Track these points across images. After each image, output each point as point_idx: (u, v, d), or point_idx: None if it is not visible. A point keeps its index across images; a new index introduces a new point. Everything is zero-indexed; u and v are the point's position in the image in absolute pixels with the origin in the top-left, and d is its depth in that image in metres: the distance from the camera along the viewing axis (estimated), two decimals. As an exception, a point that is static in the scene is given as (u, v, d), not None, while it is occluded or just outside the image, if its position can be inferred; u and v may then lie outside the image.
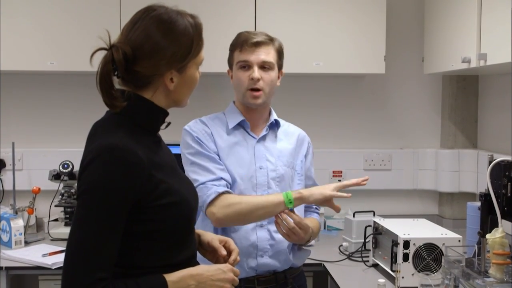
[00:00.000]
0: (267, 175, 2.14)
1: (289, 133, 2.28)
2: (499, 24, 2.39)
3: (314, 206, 2.34)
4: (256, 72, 2.10)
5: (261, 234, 2.11)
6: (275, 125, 2.24)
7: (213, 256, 1.68)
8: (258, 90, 2.11)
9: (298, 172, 2.23)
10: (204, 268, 1.50)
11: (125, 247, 1.39)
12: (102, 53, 1.42)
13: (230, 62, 2.19)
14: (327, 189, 2.02)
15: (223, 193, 2.02)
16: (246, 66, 2.11)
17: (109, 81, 1.40)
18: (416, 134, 3.54)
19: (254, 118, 2.20)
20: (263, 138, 2.20)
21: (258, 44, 2.10)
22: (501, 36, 2.35)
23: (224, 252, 1.66)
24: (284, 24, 3.06)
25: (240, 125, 2.18)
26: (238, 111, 2.19)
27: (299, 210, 2.17)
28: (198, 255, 1.65)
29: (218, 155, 2.12)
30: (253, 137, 2.18)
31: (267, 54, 2.12)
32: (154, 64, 1.43)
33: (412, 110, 3.53)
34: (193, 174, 2.07)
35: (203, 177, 2.04)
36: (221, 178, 2.06)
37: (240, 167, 2.12)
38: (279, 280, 2.14)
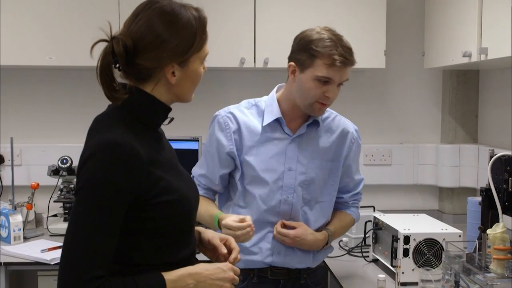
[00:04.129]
0: (295, 178, 2.08)
1: (331, 128, 2.16)
2: (500, 18, 2.38)
3: (351, 202, 2.26)
4: (335, 92, 2.01)
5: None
6: (314, 124, 2.12)
7: (214, 254, 1.66)
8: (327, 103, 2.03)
9: (334, 173, 2.15)
10: (203, 267, 1.47)
11: (124, 245, 1.37)
12: (103, 46, 1.40)
13: (305, 64, 1.99)
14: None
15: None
16: (326, 81, 1.99)
17: (110, 74, 1.38)
18: (417, 129, 3.53)
19: (295, 114, 2.09)
20: (300, 136, 2.10)
21: (346, 65, 1.98)
22: (502, 30, 2.34)
23: (224, 250, 1.63)
24: (284, 18, 3.05)
25: (277, 121, 2.09)
26: (277, 105, 2.08)
27: (319, 210, 2.14)
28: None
29: (240, 153, 2.08)
30: (288, 135, 2.09)
31: (347, 74, 2.03)
32: (155, 56, 1.40)
33: (412, 105, 3.52)
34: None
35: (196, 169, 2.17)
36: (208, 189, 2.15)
37: (268, 168, 2.07)
38: (292, 275, 2.14)
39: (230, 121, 2.09)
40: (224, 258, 1.62)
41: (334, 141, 2.15)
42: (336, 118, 2.21)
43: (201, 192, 2.03)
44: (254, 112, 2.12)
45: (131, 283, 1.35)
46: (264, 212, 2.08)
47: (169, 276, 1.40)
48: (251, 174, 2.07)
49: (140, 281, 1.36)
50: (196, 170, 2.17)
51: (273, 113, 2.08)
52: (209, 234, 1.68)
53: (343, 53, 1.97)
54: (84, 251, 1.31)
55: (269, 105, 2.11)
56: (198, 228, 1.68)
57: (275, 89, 2.16)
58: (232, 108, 2.13)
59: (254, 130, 2.09)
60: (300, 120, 2.11)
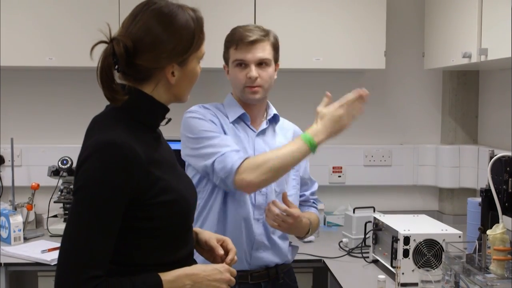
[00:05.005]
0: None
1: (285, 128, 2.28)
2: (500, 19, 2.38)
3: (312, 200, 2.34)
4: (254, 71, 2.08)
5: (257, 228, 2.12)
6: (273, 120, 2.23)
7: (210, 255, 1.67)
8: (256, 86, 2.10)
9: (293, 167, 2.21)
10: (200, 268, 1.48)
11: (121, 245, 1.38)
12: (102, 47, 1.41)
13: (226, 58, 2.17)
14: (328, 112, 1.93)
15: (246, 159, 1.97)
16: (243, 64, 2.10)
17: (110, 75, 1.38)
18: (416, 129, 3.53)
19: (253, 111, 2.18)
20: (263, 132, 2.19)
21: (253, 42, 2.08)
22: (502, 31, 2.34)
23: (221, 251, 1.64)
24: (284, 19, 3.05)
25: (240, 118, 2.17)
26: (237, 103, 2.18)
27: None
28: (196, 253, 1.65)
29: None
30: (253, 130, 2.17)
31: (264, 51, 2.10)
32: (155, 57, 1.41)
33: (412, 106, 3.52)
34: (209, 148, 2.00)
35: (223, 149, 1.98)
36: (239, 150, 2.01)
37: None
38: (271, 275, 2.16)
39: (208, 111, 2.12)
40: (221, 259, 1.63)
41: (290, 137, 2.24)
42: (285, 121, 2.31)
43: (245, 156, 1.98)
44: (219, 112, 2.17)
45: (128, 284, 1.35)
46: (240, 205, 2.09)
47: (166, 276, 1.41)
48: None
49: (137, 281, 1.36)
50: (229, 147, 2.00)
51: (236, 110, 2.16)
52: (206, 235, 1.69)
53: (247, 33, 2.09)
54: (82, 251, 1.31)
55: (229, 105, 2.19)
56: (195, 229, 1.68)
57: (229, 93, 2.23)
58: (201, 105, 2.16)
59: (226, 123, 2.14)
60: (260, 118, 2.21)
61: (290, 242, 2.26)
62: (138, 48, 1.40)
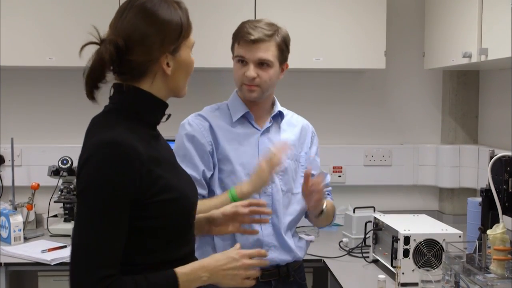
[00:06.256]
0: None
1: (293, 123, 2.25)
2: (500, 18, 2.38)
3: (326, 192, 2.29)
4: (252, 71, 2.05)
5: (265, 229, 2.11)
6: (278, 116, 2.21)
7: (234, 225, 1.70)
8: (253, 85, 2.08)
9: (302, 164, 2.22)
10: (214, 258, 1.49)
11: (124, 244, 1.37)
12: (91, 50, 1.41)
13: (232, 52, 2.15)
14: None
15: None
16: (243, 61, 2.08)
17: (100, 75, 1.39)
18: (417, 129, 3.53)
19: (257, 108, 2.16)
20: (267, 130, 2.17)
21: (255, 42, 2.04)
22: (502, 30, 2.34)
23: (244, 210, 1.67)
24: (284, 19, 3.00)
25: (244, 117, 2.15)
26: (241, 102, 2.16)
27: (296, 202, 2.19)
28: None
29: (217, 149, 2.09)
30: (257, 129, 2.16)
31: (266, 52, 2.05)
32: (147, 49, 1.42)
33: (412, 106, 3.52)
34: None
35: None
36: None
37: (243, 162, 2.10)
38: (282, 273, 2.15)
39: (200, 122, 2.11)
40: (249, 219, 1.67)
41: (298, 133, 2.24)
42: (294, 116, 2.30)
43: None
44: (218, 115, 2.16)
45: (141, 280, 1.36)
46: None
47: (182, 270, 1.41)
48: (229, 170, 2.09)
49: (151, 278, 1.37)
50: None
51: (240, 109, 2.15)
52: (219, 210, 1.72)
53: (251, 31, 2.05)
54: (92, 251, 1.31)
55: (233, 105, 2.17)
56: (204, 214, 1.69)
57: (235, 91, 2.21)
58: (197, 113, 2.16)
59: (224, 127, 2.13)
60: (265, 115, 2.19)
61: (299, 238, 2.24)
62: (129, 44, 1.41)
